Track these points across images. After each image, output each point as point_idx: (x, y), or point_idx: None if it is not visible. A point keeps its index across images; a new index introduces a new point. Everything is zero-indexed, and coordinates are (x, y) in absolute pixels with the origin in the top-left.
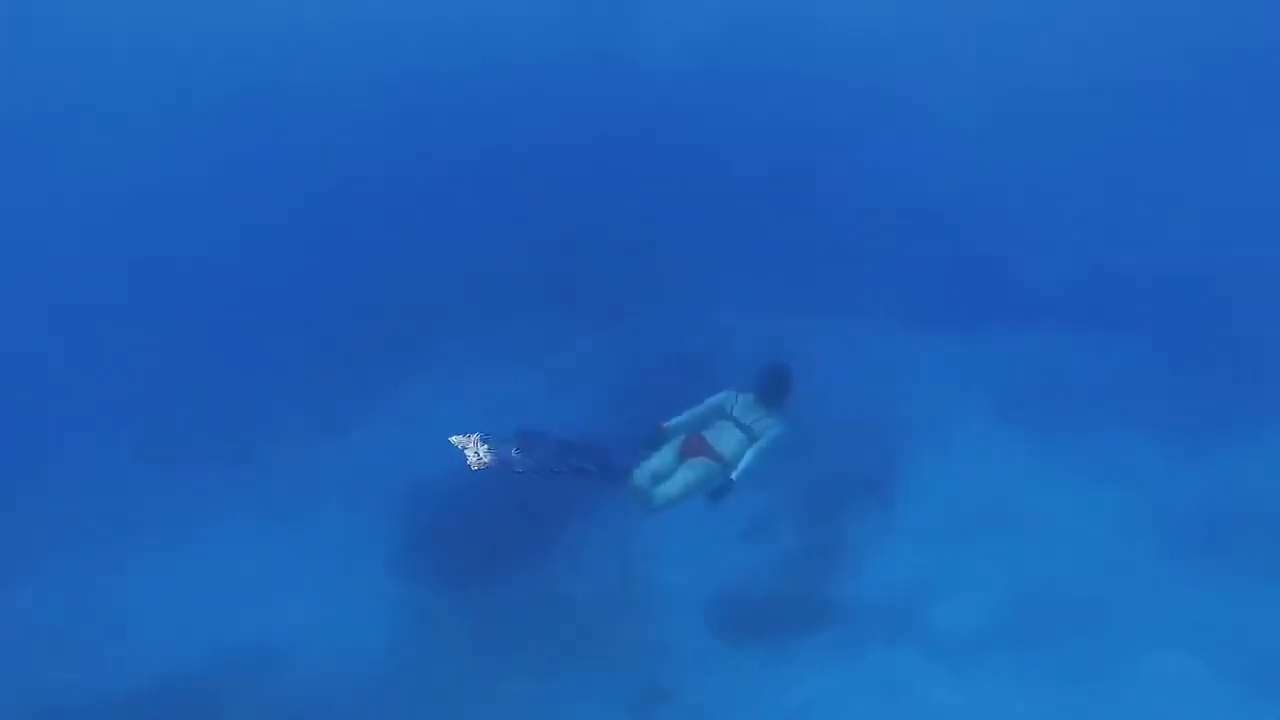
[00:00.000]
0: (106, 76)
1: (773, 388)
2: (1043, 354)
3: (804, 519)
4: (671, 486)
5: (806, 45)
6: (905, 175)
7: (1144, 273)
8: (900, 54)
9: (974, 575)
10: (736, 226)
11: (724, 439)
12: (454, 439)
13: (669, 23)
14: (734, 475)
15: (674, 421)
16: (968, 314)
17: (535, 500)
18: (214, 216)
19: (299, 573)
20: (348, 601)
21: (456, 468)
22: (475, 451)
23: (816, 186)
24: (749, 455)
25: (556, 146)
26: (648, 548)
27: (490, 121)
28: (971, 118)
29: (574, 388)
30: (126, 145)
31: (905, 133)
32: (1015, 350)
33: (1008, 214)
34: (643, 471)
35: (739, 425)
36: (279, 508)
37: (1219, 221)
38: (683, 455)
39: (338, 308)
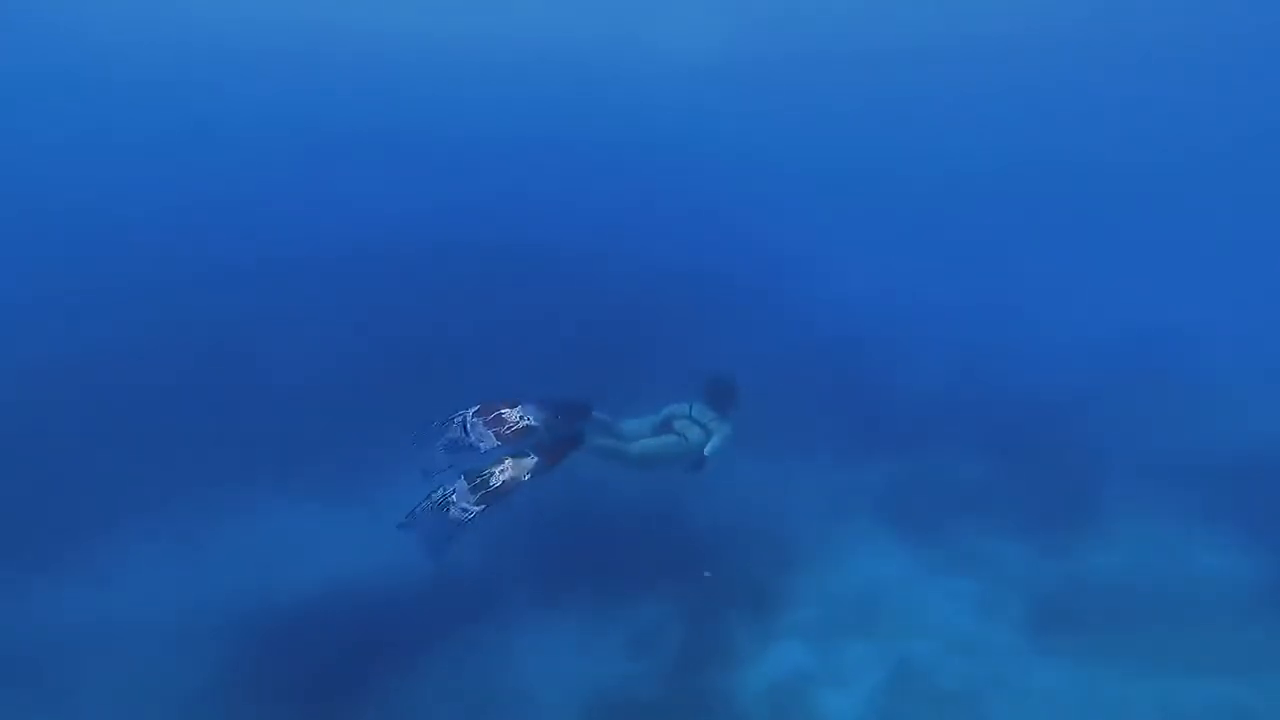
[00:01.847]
0: None
1: (721, 393)
2: (914, 469)
3: (683, 627)
4: (650, 444)
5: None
6: (792, 308)
7: (1002, 394)
8: (793, 184)
9: (852, 669)
10: (630, 344)
11: (690, 431)
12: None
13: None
14: (706, 451)
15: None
16: (845, 434)
17: (392, 620)
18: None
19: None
20: None
21: (303, 581)
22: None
23: (708, 314)
24: (715, 440)
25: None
26: (520, 665)
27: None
28: (854, 256)
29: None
30: None
31: (794, 270)
32: (888, 466)
33: (885, 344)
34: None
35: (697, 423)
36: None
37: (1071, 354)
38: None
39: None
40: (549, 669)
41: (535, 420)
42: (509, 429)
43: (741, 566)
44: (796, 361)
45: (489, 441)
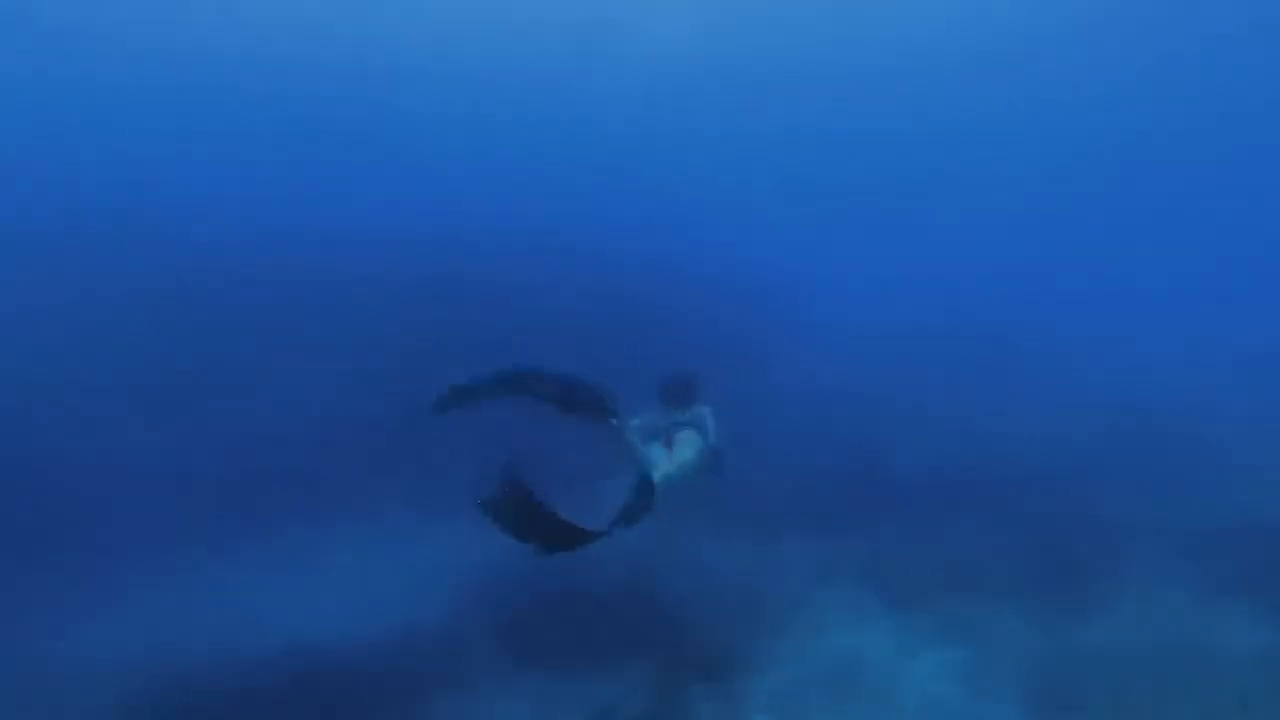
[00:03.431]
0: None
1: (683, 392)
2: (902, 534)
3: (649, 700)
4: (675, 463)
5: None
6: (773, 370)
7: (998, 457)
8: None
9: None
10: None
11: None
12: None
13: None
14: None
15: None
16: (829, 496)
17: (345, 683)
18: None
19: None
20: None
21: (257, 640)
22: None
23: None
24: (711, 434)
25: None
26: None
27: None
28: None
29: None
30: None
31: (782, 336)
32: (875, 530)
33: (876, 403)
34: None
35: (688, 426)
36: None
37: (1070, 416)
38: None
39: None
40: None
41: None
42: None
43: (712, 635)
44: (779, 420)
45: None
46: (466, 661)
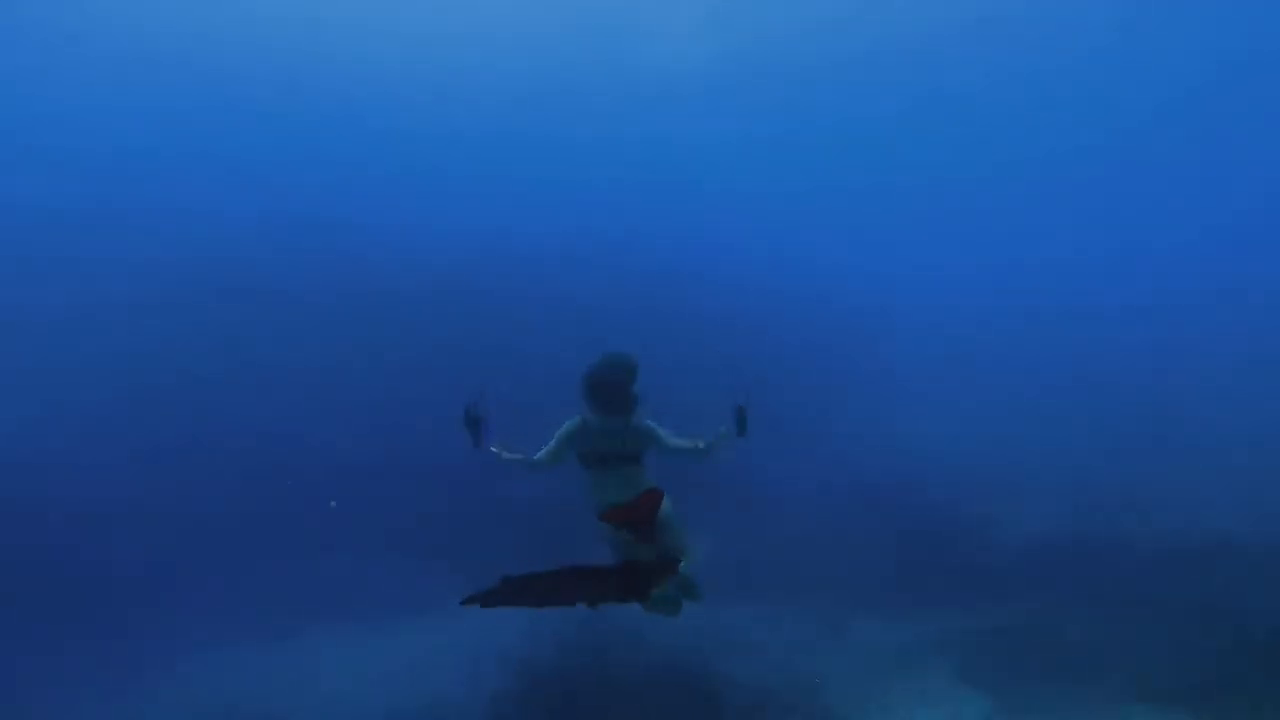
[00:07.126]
0: None
1: (616, 392)
2: (1007, 624)
3: None
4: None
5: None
6: (861, 453)
7: (1128, 538)
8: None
9: None
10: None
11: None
12: None
13: None
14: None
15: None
16: (923, 578)
17: None
18: None
19: None
20: None
21: None
22: None
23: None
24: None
25: None
26: None
27: None
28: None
29: None
30: None
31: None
32: (976, 618)
33: (962, 488)
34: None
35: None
36: None
37: (1223, 495)
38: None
39: None
40: None
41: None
42: None
43: None
44: (865, 487)
45: None
46: None
